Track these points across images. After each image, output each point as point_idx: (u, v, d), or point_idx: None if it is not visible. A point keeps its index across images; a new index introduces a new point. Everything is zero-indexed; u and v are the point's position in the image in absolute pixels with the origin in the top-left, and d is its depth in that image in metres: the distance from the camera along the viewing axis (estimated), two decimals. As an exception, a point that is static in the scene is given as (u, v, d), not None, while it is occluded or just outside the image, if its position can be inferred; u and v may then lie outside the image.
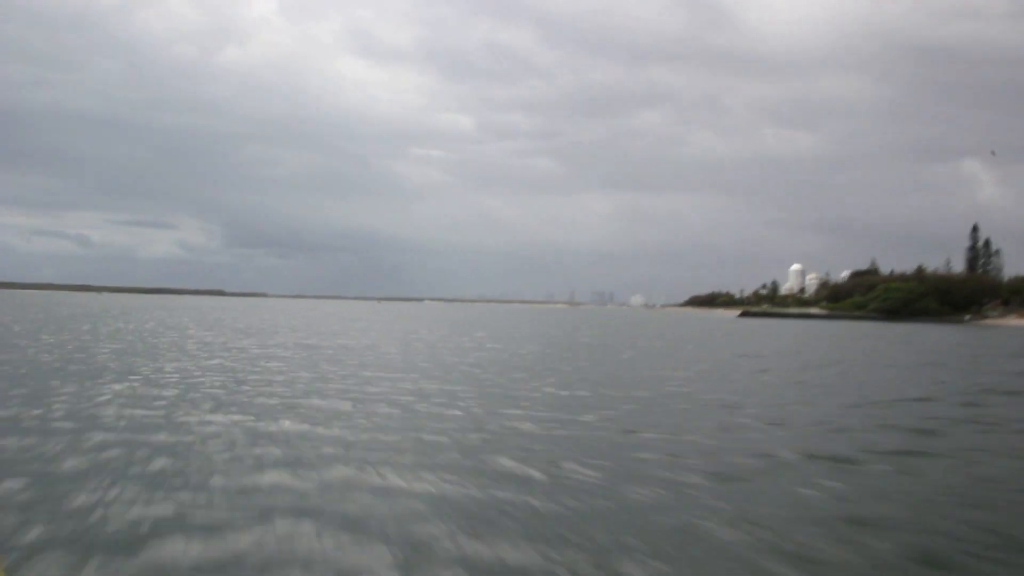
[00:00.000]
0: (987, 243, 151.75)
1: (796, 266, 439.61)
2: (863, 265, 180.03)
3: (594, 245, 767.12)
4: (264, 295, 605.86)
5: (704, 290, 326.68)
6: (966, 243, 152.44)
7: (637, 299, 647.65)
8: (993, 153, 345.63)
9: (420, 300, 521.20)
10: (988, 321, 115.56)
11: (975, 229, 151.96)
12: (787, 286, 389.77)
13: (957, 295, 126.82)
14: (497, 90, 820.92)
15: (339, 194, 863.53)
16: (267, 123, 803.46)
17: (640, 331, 65.30)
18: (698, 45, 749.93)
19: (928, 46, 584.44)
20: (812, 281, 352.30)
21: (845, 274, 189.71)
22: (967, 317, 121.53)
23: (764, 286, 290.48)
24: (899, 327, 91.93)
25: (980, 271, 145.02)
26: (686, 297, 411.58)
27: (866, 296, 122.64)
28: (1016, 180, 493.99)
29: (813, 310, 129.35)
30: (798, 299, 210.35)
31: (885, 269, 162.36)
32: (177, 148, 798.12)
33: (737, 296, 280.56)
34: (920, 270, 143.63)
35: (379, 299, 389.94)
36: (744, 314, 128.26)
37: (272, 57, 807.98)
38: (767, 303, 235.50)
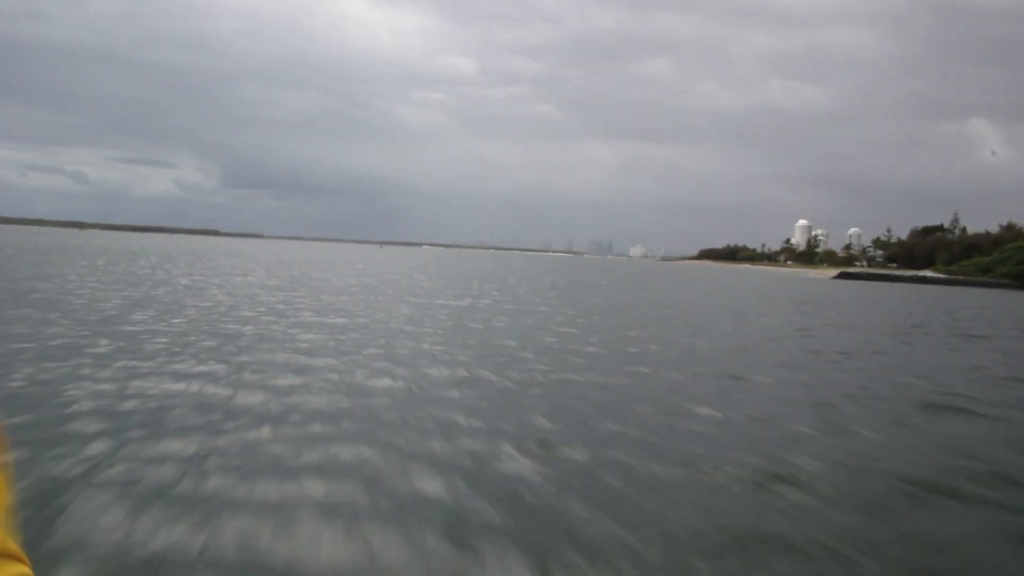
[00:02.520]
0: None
1: (803, 221, 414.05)
2: (869, 223, 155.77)
3: (594, 194, 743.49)
4: (260, 236, 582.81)
5: (706, 243, 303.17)
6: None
7: (637, 250, 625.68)
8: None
9: (418, 245, 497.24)
10: None
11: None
12: (794, 241, 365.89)
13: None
14: (501, 33, 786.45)
15: (339, 136, 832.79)
16: (268, 62, 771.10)
17: (739, 295, 40.45)
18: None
19: (940, 1, 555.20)
20: (821, 237, 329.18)
21: (865, 236, 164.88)
22: None
23: (788, 240, 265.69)
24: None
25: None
26: (686, 249, 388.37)
27: (994, 256, 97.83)
28: (1019, 139, 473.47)
29: (927, 273, 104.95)
30: (845, 257, 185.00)
31: (894, 228, 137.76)
32: (176, 85, 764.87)
33: (759, 250, 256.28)
34: (1012, 227, 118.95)
35: (381, 243, 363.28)
36: (843, 275, 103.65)
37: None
38: (797, 260, 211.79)
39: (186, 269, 37.14)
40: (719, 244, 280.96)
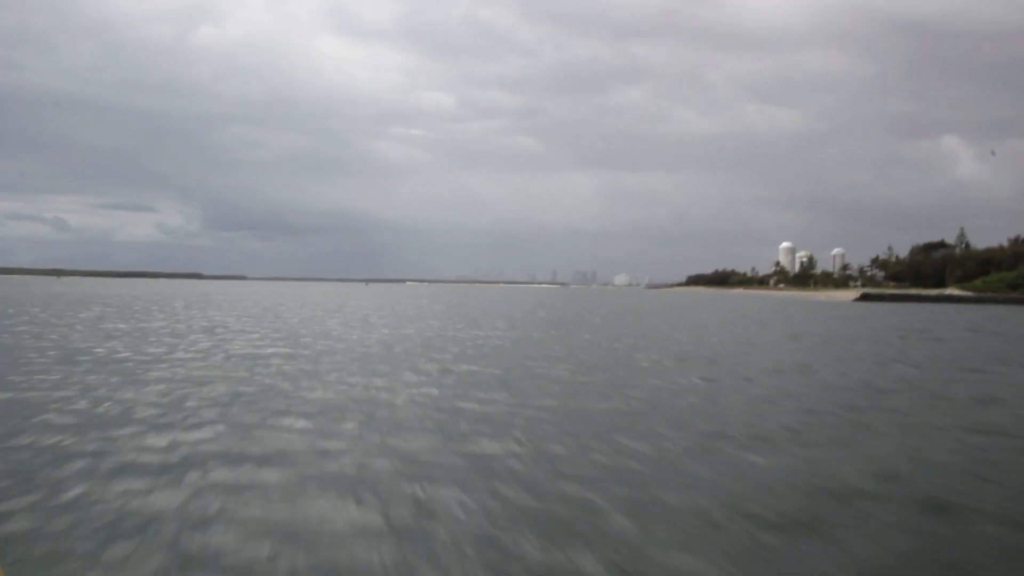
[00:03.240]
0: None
1: (786, 243, 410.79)
2: (851, 243, 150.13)
3: (576, 224, 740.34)
4: (244, 278, 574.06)
5: (691, 269, 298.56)
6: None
7: (621, 278, 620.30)
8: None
9: (402, 281, 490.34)
10: None
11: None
12: (777, 264, 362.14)
13: None
14: (479, 68, 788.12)
15: (320, 175, 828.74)
16: (247, 104, 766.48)
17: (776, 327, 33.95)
18: (679, 20, 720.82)
19: (908, 21, 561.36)
20: (802, 259, 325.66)
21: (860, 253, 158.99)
22: None
23: (777, 264, 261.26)
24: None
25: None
26: (671, 276, 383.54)
27: (1021, 271, 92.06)
28: (991, 156, 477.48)
29: (953, 292, 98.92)
30: (840, 278, 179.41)
31: (872, 247, 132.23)
32: (155, 130, 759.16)
33: (749, 274, 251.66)
34: (1019, 241, 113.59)
35: (367, 281, 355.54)
36: (865, 297, 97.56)
37: (249, 37, 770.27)
38: (791, 283, 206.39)
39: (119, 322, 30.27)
40: (704, 269, 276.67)
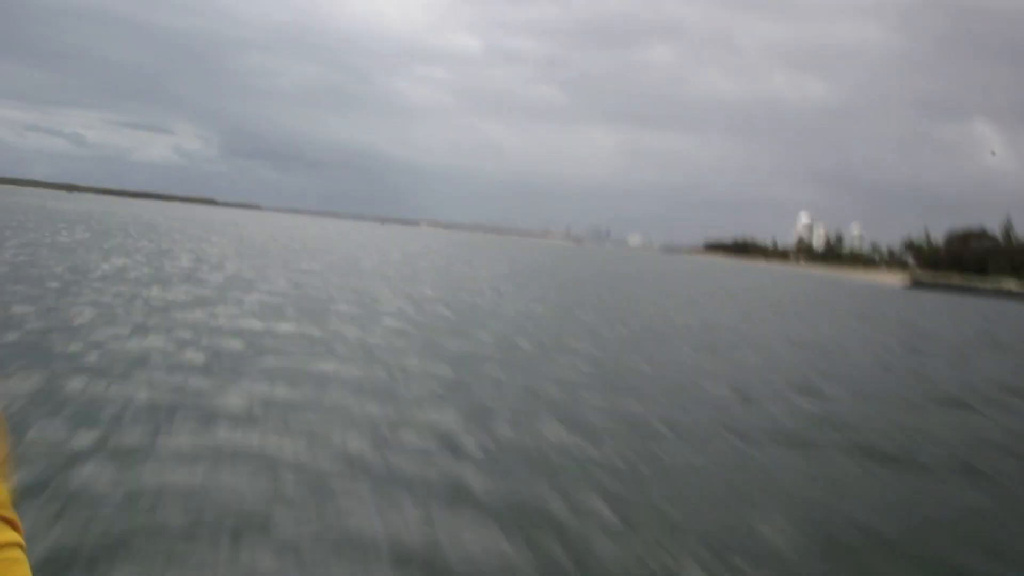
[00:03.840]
0: None
1: (804, 216, 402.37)
2: (868, 221, 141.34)
3: (593, 179, 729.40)
4: (258, 207, 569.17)
5: (705, 233, 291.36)
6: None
7: (635, 238, 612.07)
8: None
9: (416, 223, 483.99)
10: None
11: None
12: (799, 229, 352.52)
13: None
14: (508, 12, 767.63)
15: (340, 109, 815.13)
16: (270, 30, 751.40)
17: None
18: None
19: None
20: (828, 234, 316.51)
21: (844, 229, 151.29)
22: None
23: (801, 240, 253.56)
24: None
25: None
26: (685, 239, 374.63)
27: None
28: (1022, 144, 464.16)
29: (1012, 287, 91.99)
30: (866, 257, 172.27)
31: (892, 227, 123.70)
32: (177, 50, 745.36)
33: (770, 246, 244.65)
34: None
35: (381, 221, 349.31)
36: (917, 284, 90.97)
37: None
38: (814, 259, 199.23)
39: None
40: (718, 235, 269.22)
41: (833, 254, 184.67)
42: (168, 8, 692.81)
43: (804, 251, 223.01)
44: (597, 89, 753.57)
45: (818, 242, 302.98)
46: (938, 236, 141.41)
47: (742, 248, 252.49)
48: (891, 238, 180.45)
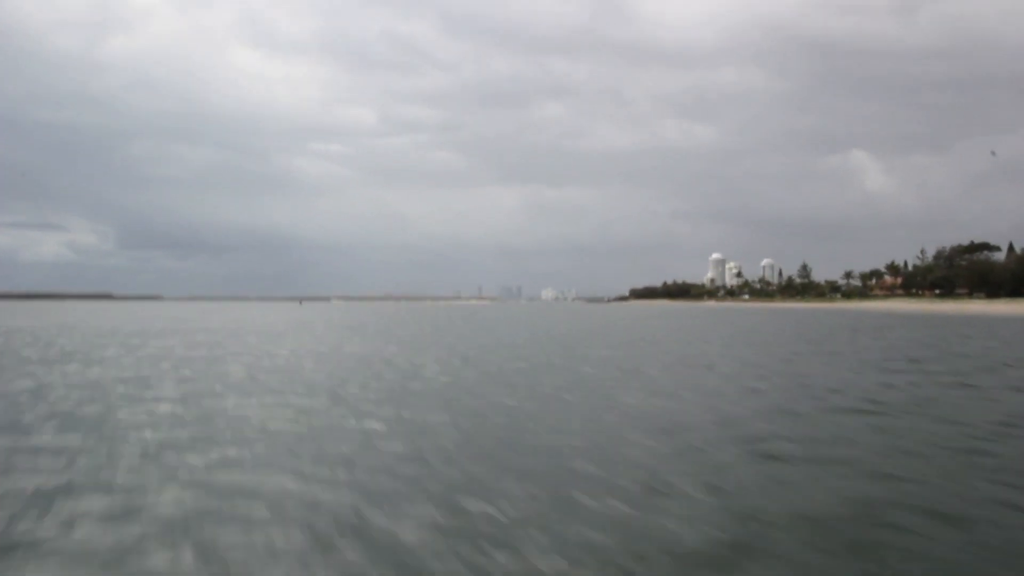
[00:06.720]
0: None
1: (716, 255, 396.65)
2: (771, 251, 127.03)
3: (500, 239, 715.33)
4: (160, 298, 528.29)
5: (618, 283, 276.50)
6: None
7: (548, 293, 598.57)
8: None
9: (327, 299, 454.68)
10: None
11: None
12: (708, 276, 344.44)
13: None
14: (399, 82, 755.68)
15: (238, 192, 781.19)
16: (159, 118, 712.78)
17: None
18: (598, 36, 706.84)
19: (819, 40, 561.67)
20: (732, 270, 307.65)
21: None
22: None
23: (739, 274, 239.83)
24: None
25: None
26: (597, 290, 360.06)
27: None
28: (897, 170, 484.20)
29: None
30: (828, 286, 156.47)
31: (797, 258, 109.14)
32: (62, 145, 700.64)
33: (707, 285, 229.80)
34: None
35: (300, 300, 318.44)
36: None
37: (161, 49, 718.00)
38: (759, 295, 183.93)
39: None
40: (629, 283, 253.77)
41: (797, 286, 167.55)
42: (51, 103, 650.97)
43: (748, 287, 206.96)
44: (494, 150, 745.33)
45: (730, 279, 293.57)
46: (832, 260, 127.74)
47: (681, 291, 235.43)
48: (796, 268, 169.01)
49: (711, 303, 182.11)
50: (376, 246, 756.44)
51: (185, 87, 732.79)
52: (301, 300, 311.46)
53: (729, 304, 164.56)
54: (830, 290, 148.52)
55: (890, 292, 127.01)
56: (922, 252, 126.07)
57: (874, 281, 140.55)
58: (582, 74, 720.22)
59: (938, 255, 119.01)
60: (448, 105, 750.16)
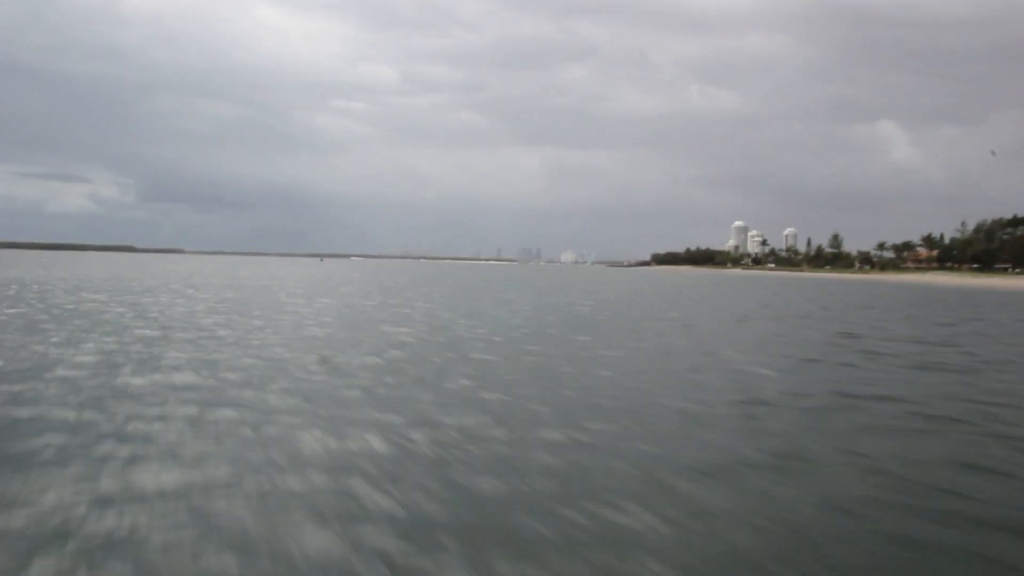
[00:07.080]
0: None
1: (738, 223, 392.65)
2: (794, 221, 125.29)
3: (520, 201, 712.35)
4: (181, 251, 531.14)
5: (638, 248, 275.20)
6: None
7: (568, 256, 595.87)
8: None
9: (347, 256, 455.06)
10: None
11: None
12: (730, 243, 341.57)
13: None
14: (422, 41, 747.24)
15: (258, 147, 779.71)
16: (180, 72, 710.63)
17: None
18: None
19: (849, 7, 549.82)
20: (756, 238, 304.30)
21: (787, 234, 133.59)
22: None
23: (764, 242, 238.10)
24: None
25: None
26: (617, 254, 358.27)
27: None
28: (926, 141, 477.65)
29: None
30: (863, 257, 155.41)
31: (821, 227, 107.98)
32: (86, 97, 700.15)
33: (732, 252, 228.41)
34: None
35: (321, 257, 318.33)
36: None
37: (184, 3, 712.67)
38: (783, 264, 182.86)
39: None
40: (650, 248, 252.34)
41: (827, 256, 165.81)
42: (75, 54, 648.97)
43: (773, 256, 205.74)
44: (516, 112, 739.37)
45: (753, 247, 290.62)
46: (857, 232, 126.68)
47: (706, 257, 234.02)
48: (822, 238, 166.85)
49: (737, 271, 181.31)
50: (396, 205, 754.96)
51: (207, 42, 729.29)
52: (322, 257, 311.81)
53: (756, 272, 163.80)
54: (860, 261, 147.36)
55: (924, 265, 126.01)
56: (962, 224, 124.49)
57: (906, 253, 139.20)
58: (606, 37, 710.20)
59: (978, 228, 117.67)
60: (470, 65, 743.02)
